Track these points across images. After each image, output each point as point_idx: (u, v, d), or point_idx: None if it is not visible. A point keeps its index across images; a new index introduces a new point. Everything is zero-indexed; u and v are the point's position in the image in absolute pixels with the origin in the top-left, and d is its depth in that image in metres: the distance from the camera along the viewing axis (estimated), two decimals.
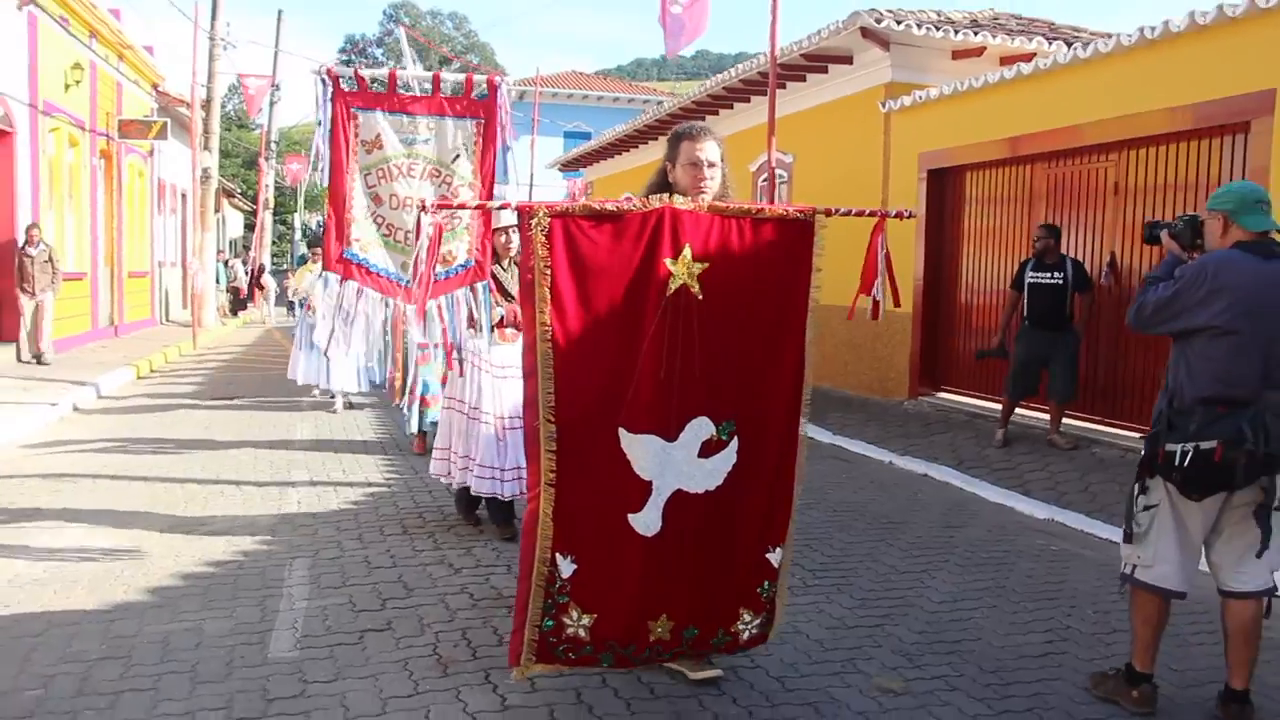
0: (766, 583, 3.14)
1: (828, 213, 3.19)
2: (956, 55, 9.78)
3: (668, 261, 2.91)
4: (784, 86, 11.57)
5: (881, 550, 5.11)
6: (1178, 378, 3.14)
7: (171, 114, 19.01)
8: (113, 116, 15.54)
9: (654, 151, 16.83)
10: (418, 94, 3.99)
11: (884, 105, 9.78)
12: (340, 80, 4.09)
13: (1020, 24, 11.88)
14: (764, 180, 12.75)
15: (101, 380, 10.42)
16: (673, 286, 2.91)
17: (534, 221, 2.82)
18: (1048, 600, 4.38)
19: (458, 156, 3.90)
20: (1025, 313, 7.40)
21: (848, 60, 10.36)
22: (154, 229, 19.55)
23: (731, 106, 13.23)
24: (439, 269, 3.71)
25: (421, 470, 6.40)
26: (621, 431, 2.93)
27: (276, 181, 31.19)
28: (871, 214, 3.36)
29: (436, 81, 4.01)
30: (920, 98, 9.18)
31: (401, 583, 4.34)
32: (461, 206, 3.16)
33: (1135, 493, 3.23)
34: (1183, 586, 3.20)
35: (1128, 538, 3.26)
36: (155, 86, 18.41)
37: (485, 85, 4.02)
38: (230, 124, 36.38)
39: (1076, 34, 11.56)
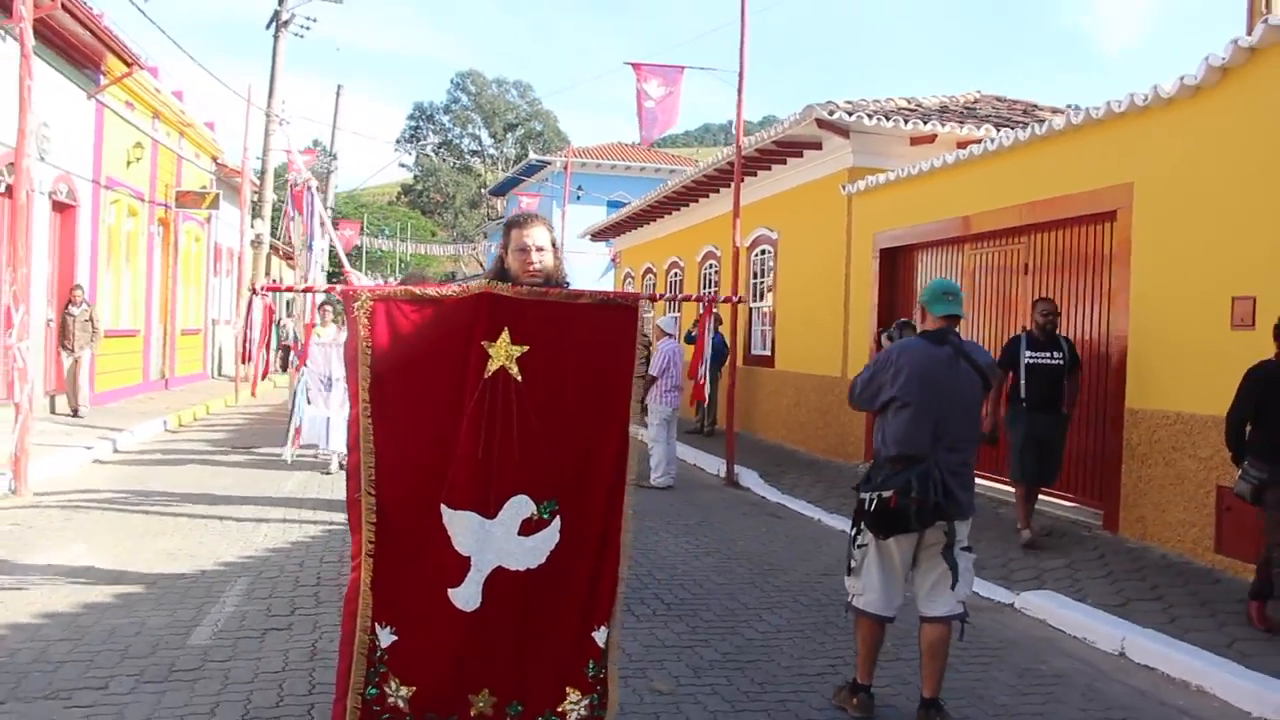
0: (592, 663, 3.18)
1: (653, 298, 3.82)
2: (915, 141, 10.74)
3: (484, 344, 3.07)
4: (768, 168, 12.73)
5: (745, 591, 5.96)
6: (875, 443, 4.05)
7: (229, 184, 21.01)
8: (171, 188, 17.44)
9: (671, 224, 18.00)
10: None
11: (844, 189, 10.77)
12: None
13: (997, 106, 12.81)
14: (757, 255, 13.79)
15: (136, 429, 11.84)
16: (491, 368, 3.07)
17: (357, 305, 3.07)
18: None
19: (302, 249, 5.07)
20: (1024, 395, 6.93)
21: (818, 146, 11.41)
22: (209, 289, 21.44)
23: (729, 185, 14.34)
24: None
25: None
26: (443, 507, 3.07)
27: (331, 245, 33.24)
28: (699, 299, 3.91)
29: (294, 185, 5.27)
30: (872, 182, 10.16)
31: (315, 596, 5.39)
32: (289, 290, 3.99)
33: (852, 535, 4.11)
34: (887, 612, 4.04)
35: (848, 572, 4.13)
36: (214, 159, 20.40)
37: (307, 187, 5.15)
38: None
39: (1054, 115, 12.40)
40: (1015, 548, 7.00)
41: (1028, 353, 6.94)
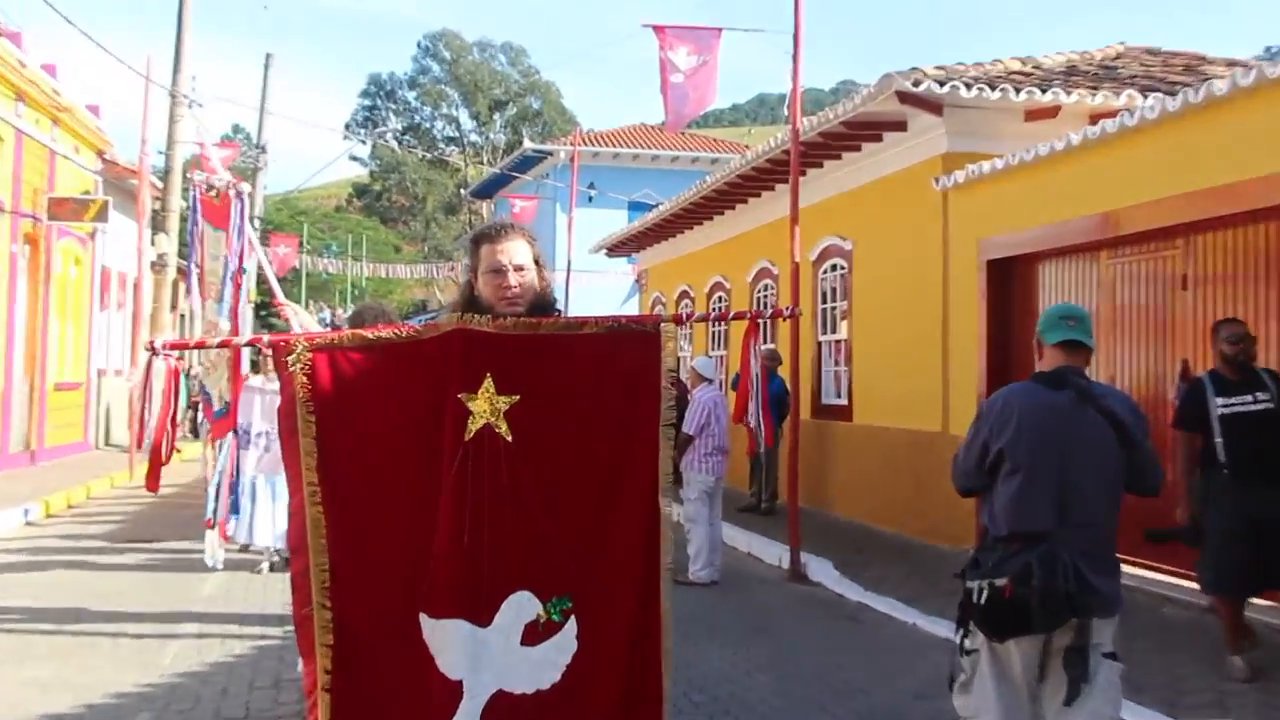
0: None
1: (678, 321, 3.76)
2: (1031, 116, 10.89)
3: (463, 397, 3.13)
4: (838, 157, 12.96)
5: (812, 718, 6.06)
6: (982, 519, 4.19)
7: (122, 188, 21.48)
8: (41, 194, 17.79)
9: (714, 232, 18.11)
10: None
11: (938, 182, 10.94)
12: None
13: (1147, 63, 12.99)
14: (826, 272, 13.97)
15: None
16: (473, 428, 3.12)
17: (291, 359, 3.09)
18: None
19: (227, 282, 5.25)
20: (1224, 458, 6.61)
21: (902, 127, 11.61)
22: (94, 329, 21.78)
23: (786, 180, 14.54)
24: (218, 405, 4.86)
25: None
26: (422, 617, 3.10)
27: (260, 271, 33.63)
28: (738, 316, 3.94)
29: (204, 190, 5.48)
30: (975, 173, 10.32)
31: None
32: (200, 345, 4.06)
33: (959, 638, 4.19)
34: None
35: (953, 687, 4.21)
36: (100, 155, 20.90)
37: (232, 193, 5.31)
38: None
39: (1228, 70, 12.49)
40: (1186, 661, 7.02)
41: (1218, 400, 6.66)
